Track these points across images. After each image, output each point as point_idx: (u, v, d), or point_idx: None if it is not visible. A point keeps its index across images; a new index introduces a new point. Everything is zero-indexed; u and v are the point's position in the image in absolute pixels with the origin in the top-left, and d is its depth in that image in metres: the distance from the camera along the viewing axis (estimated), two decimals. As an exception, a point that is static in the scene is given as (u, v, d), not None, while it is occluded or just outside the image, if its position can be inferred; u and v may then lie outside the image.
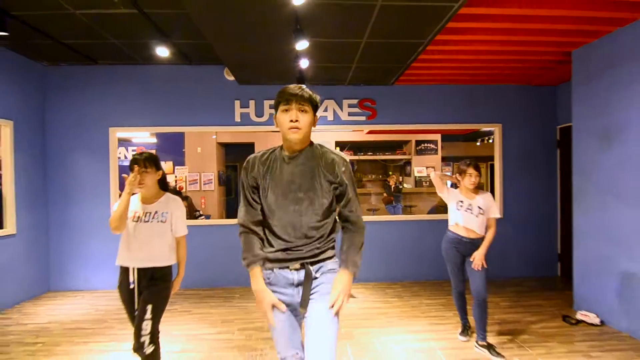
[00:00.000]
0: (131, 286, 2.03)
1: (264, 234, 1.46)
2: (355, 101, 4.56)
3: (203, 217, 6.02)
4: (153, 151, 8.14)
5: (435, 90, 4.63)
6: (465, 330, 2.91)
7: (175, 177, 7.82)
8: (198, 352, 2.81)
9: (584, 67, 3.48)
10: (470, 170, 2.67)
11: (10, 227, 3.87)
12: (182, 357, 2.75)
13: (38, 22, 3.26)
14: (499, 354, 2.53)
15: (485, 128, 5.19)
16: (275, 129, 4.57)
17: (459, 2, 2.56)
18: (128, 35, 3.56)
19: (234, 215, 1.68)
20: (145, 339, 1.95)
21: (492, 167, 5.58)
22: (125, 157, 7.40)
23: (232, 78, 4.39)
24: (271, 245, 1.44)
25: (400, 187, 7.69)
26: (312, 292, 1.40)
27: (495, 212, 2.73)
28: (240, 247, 1.46)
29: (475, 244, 2.69)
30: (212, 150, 7.96)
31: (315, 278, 1.41)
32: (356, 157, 8.11)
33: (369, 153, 8.23)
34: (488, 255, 2.68)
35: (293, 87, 1.38)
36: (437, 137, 8.15)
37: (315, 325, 1.35)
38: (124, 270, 2.06)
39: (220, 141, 7.99)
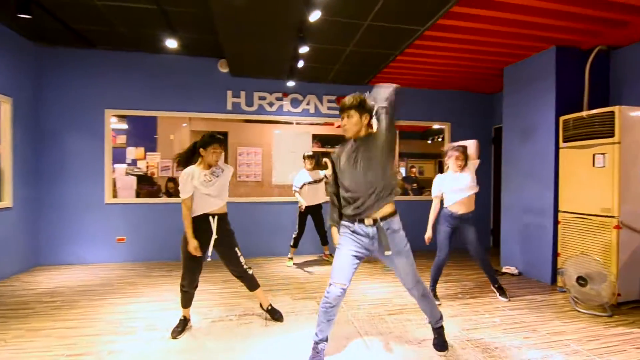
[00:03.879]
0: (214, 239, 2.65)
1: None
2: (333, 97, 5.29)
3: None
4: (124, 136, 8.18)
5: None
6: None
7: (147, 162, 7.95)
8: (210, 300, 3.36)
9: (510, 81, 4.54)
10: (456, 153, 3.22)
11: (7, 200, 4.03)
12: (200, 304, 3.28)
13: (54, 6, 3.51)
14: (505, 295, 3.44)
15: (438, 126, 6.18)
16: (255, 118, 5.14)
17: (425, 26, 3.40)
18: (139, 26, 3.92)
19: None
20: (246, 266, 2.75)
21: (440, 163, 6.60)
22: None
23: (225, 70, 4.88)
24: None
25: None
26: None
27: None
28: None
29: (463, 218, 3.27)
30: (185, 137, 8.20)
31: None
32: (323, 149, 8.85)
33: (336, 146, 8.98)
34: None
35: (346, 99, 2.13)
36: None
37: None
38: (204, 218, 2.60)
39: (193, 129, 8.25)
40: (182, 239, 2.61)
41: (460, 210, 3.25)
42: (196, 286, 2.69)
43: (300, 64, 4.03)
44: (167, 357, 2.32)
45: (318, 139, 8.22)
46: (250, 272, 2.79)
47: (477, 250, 3.34)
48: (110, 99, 4.67)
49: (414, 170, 8.92)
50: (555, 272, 3.91)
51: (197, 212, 2.59)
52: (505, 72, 4.60)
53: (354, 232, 2.14)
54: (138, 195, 5.98)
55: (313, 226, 4.70)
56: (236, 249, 2.72)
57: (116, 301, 3.31)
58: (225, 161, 8.05)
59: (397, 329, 2.78)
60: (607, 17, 3.30)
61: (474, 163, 3.31)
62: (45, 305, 3.18)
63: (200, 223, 2.60)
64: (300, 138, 5.74)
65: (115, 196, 4.98)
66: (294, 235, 4.67)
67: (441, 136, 8.66)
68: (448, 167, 3.33)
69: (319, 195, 4.63)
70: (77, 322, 2.84)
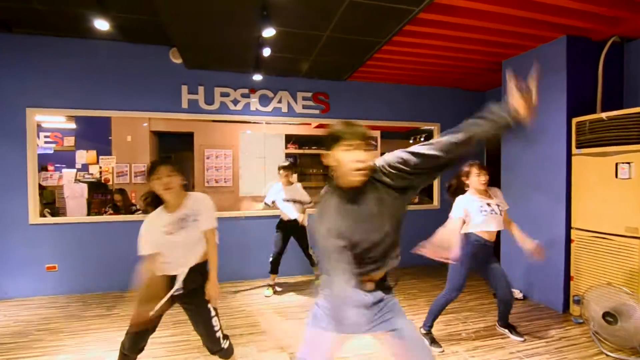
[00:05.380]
0: (178, 292, 1.90)
1: None
2: (309, 94, 4.57)
3: (140, 211, 5.50)
4: (73, 138, 7.18)
5: (385, 89, 4.87)
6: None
7: (100, 167, 7.00)
8: (154, 356, 2.59)
9: (512, 76, 3.97)
10: (476, 170, 2.66)
11: None
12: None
13: None
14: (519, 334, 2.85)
15: (426, 127, 5.61)
16: (217, 118, 4.38)
17: (420, 7, 2.74)
18: (59, 2, 3.07)
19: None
20: (219, 334, 1.94)
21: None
22: (38, 146, 6.40)
23: (179, 61, 4.07)
24: None
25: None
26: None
27: (505, 204, 2.74)
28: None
29: (492, 246, 2.69)
30: (144, 139, 7.29)
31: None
32: (300, 151, 8.15)
33: (314, 147, 8.31)
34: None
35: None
36: (377, 133, 8.58)
37: None
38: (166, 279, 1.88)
39: (153, 129, 7.35)
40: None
41: (492, 237, 2.69)
42: (141, 349, 1.94)
43: (267, 52, 3.29)
44: None
45: (294, 140, 7.51)
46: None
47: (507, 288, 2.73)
48: (33, 96, 3.76)
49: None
50: (567, 298, 3.38)
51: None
52: (505, 66, 4.03)
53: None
54: (90, 204, 5.10)
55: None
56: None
57: (23, 363, 2.50)
58: (192, 166, 7.25)
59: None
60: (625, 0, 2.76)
61: None
62: None
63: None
64: (270, 140, 5.00)
65: (43, 215, 4.09)
66: (270, 259, 3.87)
67: (424, 135, 8.10)
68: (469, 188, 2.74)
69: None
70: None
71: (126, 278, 1.93)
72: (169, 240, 1.83)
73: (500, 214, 2.67)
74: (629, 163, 2.83)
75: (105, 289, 3.96)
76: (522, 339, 2.83)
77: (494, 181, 5.11)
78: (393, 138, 9.23)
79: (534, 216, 3.69)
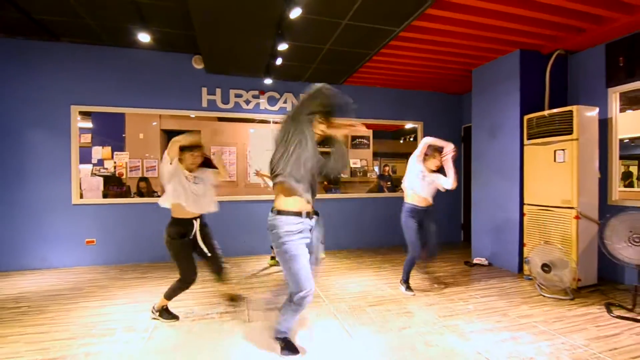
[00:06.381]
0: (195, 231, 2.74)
1: None
2: (310, 96, 5.31)
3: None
4: (89, 135, 7.81)
5: (375, 92, 5.66)
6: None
7: (114, 162, 7.63)
8: (190, 299, 3.29)
9: (478, 82, 4.79)
10: (437, 155, 3.35)
11: (-39, 202, 3.74)
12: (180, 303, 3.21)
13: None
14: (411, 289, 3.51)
15: (410, 124, 6.38)
16: (232, 116, 5.10)
17: (400, 27, 3.52)
18: (107, 18, 3.77)
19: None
20: (223, 260, 2.85)
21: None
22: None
23: (200, 66, 4.79)
24: None
25: (339, 176, 8.69)
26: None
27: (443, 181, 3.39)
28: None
29: (427, 211, 3.41)
30: (155, 136, 7.94)
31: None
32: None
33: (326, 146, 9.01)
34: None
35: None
36: (370, 133, 9.35)
37: None
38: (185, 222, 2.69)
39: (163, 128, 8.00)
40: (165, 236, 2.59)
41: (423, 203, 3.42)
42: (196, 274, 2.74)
43: (279, 61, 4.03)
44: (148, 357, 2.26)
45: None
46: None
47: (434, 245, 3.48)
48: (77, 95, 4.44)
49: (387, 168, 9.15)
50: (521, 261, 4.16)
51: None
52: (474, 73, 4.84)
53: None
54: (105, 196, 5.73)
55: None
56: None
57: (89, 304, 3.17)
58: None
59: (378, 319, 2.86)
60: (566, 24, 3.57)
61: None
62: (10, 312, 2.99)
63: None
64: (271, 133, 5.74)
65: (82, 197, 4.75)
66: None
67: (412, 136, 8.93)
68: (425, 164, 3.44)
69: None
70: (48, 326, 2.69)
71: (154, 251, 2.60)
72: (185, 186, 2.63)
73: (429, 184, 3.39)
74: (563, 150, 3.63)
75: (137, 260, 4.63)
76: (412, 294, 3.44)
77: (466, 172, 5.89)
78: (385, 138, 10.02)
79: (496, 196, 4.48)
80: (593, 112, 3.61)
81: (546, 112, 3.79)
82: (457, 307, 3.13)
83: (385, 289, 3.61)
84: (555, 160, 3.71)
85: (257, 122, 5.71)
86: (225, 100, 4.99)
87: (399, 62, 4.60)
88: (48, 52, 4.32)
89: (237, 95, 5.03)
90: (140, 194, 5.49)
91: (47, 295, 3.41)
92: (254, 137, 5.64)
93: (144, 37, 3.81)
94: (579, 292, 3.48)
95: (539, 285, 3.53)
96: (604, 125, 3.82)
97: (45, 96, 4.32)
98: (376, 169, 9.09)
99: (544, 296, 3.40)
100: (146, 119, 7.53)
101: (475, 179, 4.92)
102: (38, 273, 4.17)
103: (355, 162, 9.37)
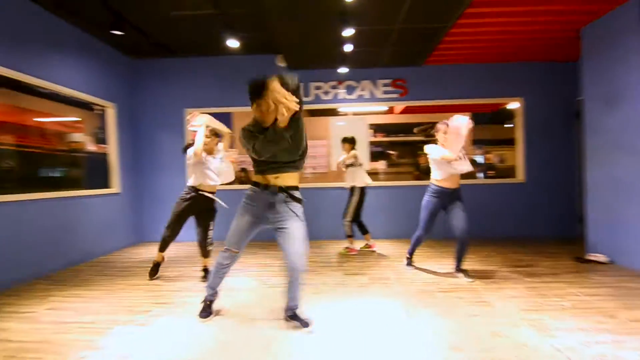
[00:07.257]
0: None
1: None
2: (388, 81, 5.25)
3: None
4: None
5: (461, 69, 5.21)
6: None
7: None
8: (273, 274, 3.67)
9: (589, 43, 3.95)
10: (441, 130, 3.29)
11: (116, 187, 4.96)
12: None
13: (139, 22, 4.21)
14: (470, 276, 3.31)
15: (508, 103, 5.65)
16: (313, 108, 5.34)
17: (475, -9, 3.20)
18: (205, 31, 4.46)
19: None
20: (210, 241, 3.42)
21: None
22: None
23: (283, 64, 5.22)
24: None
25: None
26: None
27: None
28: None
29: (454, 193, 3.28)
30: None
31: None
32: (388, 139, 8.71)
33: (400, 135, 8.78)
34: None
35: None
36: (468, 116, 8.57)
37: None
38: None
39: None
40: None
41: (453, 185, 3.28)
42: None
43: (349, 47, 4.11)
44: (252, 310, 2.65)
45: (381, 129, 8.11)
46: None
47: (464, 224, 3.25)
48: (188, 100, 5.38)
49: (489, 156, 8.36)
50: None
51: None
52: (583, 33, 4.02)
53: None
54: None
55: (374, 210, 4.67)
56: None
57: (197, 268, 3.84)
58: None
59: (445, 304, 2.71)
60: None
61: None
62: (143, 269, 3.85)
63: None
64: (355, 126, 5.85)
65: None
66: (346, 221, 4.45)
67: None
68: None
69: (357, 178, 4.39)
70: (164, 280, 3.45)
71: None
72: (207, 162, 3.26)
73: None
74: None
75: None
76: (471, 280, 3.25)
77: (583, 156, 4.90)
78: (482, 123, 9.03)
79: (618, 178, 3.65)
80: None
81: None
82: (548, 303, 2.71)
83: (462, 278, 3.36)
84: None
85: (341, 115, 5.91)
86: (307, 93, 5.31)
87: (482, 32, 4.15)
88: (167, 66, 5.38)
89: (317, 88, 5.31)
90: (240, 182, 6.28)
91: (171, 260, 4.26)
92: (336, 130, 5.86)
93: (233, 43, 4.38)
94: None
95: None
96: None
97: (166, 102, 5.40)
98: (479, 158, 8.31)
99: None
100: (251, 116, 8.50)
101: (590, 157, 4.10)
102: (177, 244, 5.22)
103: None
